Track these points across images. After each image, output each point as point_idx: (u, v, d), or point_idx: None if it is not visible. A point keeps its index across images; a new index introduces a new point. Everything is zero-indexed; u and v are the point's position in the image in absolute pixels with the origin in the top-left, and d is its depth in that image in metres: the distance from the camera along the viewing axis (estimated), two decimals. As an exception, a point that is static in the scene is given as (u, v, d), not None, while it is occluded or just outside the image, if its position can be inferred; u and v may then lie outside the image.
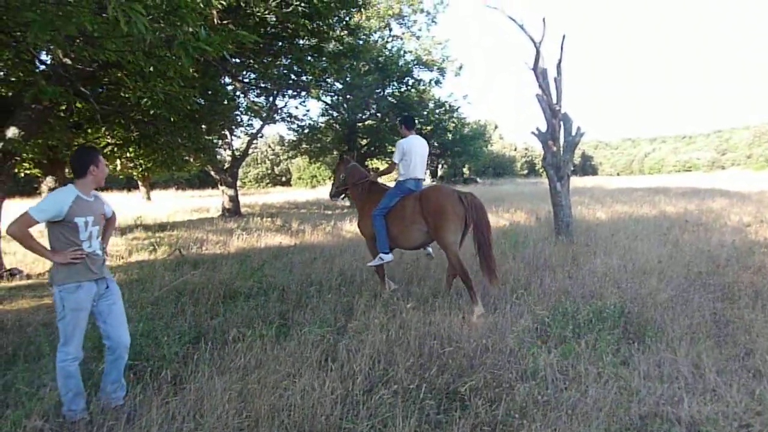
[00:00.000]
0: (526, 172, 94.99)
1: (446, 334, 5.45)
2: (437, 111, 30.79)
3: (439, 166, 58.64)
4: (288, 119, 26.24)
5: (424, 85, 28.28)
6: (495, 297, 6.84)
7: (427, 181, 50.27)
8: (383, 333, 5.43)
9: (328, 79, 20.35)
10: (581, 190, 30.85)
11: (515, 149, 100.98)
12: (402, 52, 27.93)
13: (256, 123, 24.92)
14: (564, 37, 11.38)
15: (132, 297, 7.23)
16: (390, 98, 27.25)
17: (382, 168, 11.81)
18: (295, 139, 29.81)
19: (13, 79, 9.91)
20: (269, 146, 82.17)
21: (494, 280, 6.52)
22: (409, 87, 27.86)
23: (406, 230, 6.95)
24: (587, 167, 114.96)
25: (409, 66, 27.23)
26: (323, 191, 46.64)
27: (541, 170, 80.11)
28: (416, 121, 8.93)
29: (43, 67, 9.71)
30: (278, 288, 7.65)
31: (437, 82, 28.25)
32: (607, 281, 7.30)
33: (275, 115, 25.12)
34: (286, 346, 5.23)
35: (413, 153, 7.28)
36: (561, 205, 11.43)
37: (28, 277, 9.95)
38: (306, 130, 28.09)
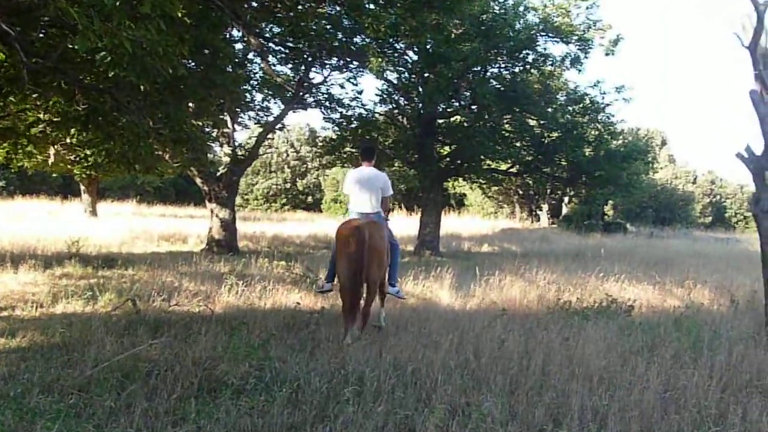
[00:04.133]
0: (710, 219, 64.94)
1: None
2: (571, 108, 22.54)
3: (565, 200, 44.84)
4: (326, 104, 20.56)
5: (553, 64, 21.06)
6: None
7: (544, 222, 43.82)
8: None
9: (396, 44, 16.95)
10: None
11: (694, 181, 67.88)
12: (521, 9, 20.22)
13: (275, 107, 20.13)
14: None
15: (47, 376, 5.27)
16: (495, 82, 20.59)
17: None
18: (335, 136, 22.75)
19: None
20: (291, 145, 62.92)
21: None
22: (528, 66, 20.53)
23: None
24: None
25: (532, 32, 19.63)
26: None
27: (740, 220, 62.54)
28: (375, 153, 8.27)
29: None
30: (290, 382, 5.35)
31: (575, 62, 20.68)
32: None
33: (306, 96, 19.82)
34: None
35: (359, 185, 7.66)
36: None
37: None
38: (354, 124, 21.34)
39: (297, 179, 62.76)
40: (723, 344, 7.14)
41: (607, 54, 21.16)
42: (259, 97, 20.14)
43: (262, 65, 17.95)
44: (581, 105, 22.38)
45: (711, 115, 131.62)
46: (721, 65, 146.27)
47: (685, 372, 6.06)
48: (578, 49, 20.52)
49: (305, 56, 17.38)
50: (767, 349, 7.15)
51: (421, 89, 20.36)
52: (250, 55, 17.73)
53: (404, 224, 26.51)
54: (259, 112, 20.94)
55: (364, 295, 7.32)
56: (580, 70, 21.01)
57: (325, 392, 5.20)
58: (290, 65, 19.09)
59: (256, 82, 18.76)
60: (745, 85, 7.27)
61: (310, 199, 62.16)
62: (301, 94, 19.07)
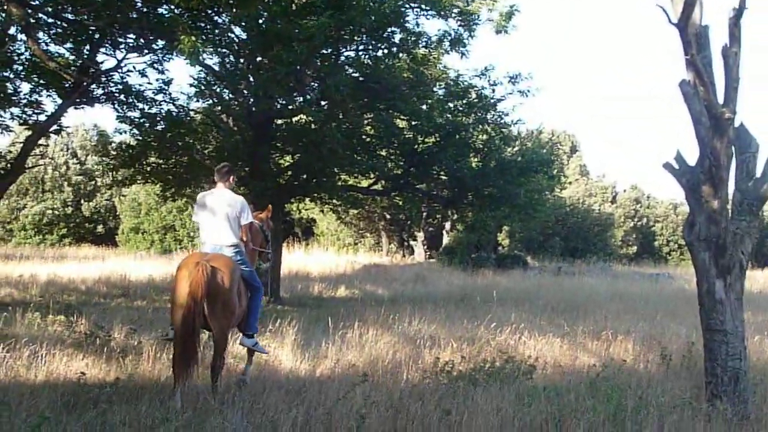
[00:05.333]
0: (634, 249, 66.54)
1: None
2: (452, 104, 23.00)
3: (446, 226, 45.73)
4: (121, 98, 20.23)
5: (427, 46, 21.34)
6: None
7: (420, 256, 44.26)
8: None
9: (217, 16, 17.10)
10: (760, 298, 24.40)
11: (614, 199, 69.49)
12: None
13: (49, 101, 19.49)
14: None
15: None
16: (351, 69, 21.13)
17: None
18: (134, 142, 22.49)
19: None
20: (74, 155, 62.54)
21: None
22: (394, 48, 20.68)
23: None
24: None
25: (399, 3, 19.56)
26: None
27: (673, 249, 65.42)
28: (232, 173, 9.22)
29: None
30: None
31: (456, 43, 20.79)
32: None
33: (93, 87, 19.40)
34: None
35: (210, 212, 8.56)
36: (721, 332, 8.49)
37: None
38: (160, 125, 21.07)
39: (82, 202, 61.58)
40: (652, 414, 7.51)
41: (498, 32, 21.20)
42: (25, 87, 19.28)
43: (28, 44, 17.24)
44: (465, 101, 23.00)
45: (633, 115, 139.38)
46: (646, 50, 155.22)
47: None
48: (460, 25, 20.83)
49: (90, 32, 17.34)
50: (708, 421, 7.57)
51: (252, 79, 20.52)
52: (12, 30, 17.13)
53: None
54: (25, 109, 19.78)
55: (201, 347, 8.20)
56: (463, 54, 21.35)
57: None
58: (69, 44, 18.62)
59: (20, 67, 18.19)
60: (676, 75, 7.74)
61: (100, 228, 61.48)
62: (85, 83, 18.63)
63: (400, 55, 21.17)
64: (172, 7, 14.86)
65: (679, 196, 63.78)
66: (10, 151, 22.90)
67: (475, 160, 23.33)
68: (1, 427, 6.27)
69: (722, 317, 8.43)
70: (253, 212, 9.45)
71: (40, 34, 16.85)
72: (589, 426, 7.09)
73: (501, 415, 7.10)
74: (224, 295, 7.92)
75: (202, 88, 21.65)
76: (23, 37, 17.34)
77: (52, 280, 22.96)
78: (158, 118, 20.69)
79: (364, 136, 21.85)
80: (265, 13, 17.77)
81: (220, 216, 8.52)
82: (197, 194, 9.87)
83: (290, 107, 21.69)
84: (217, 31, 19.25)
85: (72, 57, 19.28)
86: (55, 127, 20.51)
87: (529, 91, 22.38)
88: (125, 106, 20.38)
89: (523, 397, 7.93)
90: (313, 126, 21.08)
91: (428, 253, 44.83)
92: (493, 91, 22.61)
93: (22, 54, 18.19)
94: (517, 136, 29.47)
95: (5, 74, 17.19)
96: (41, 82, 19.14)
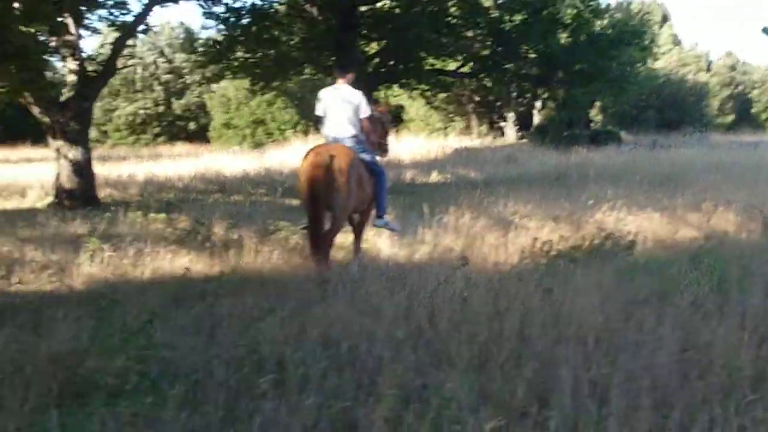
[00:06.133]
0: (731, 118, 64.07)
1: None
2: None
3: (537, 105, 44.97)
4: None
5: None
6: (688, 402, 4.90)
7: (511, 137, 43.72)
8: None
9: None
10: None
11: (708, 68, 67.56)
12: None
13: (135, 1, 20.27)
14: None
15: None
16: None
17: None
18: (220, 38, 23.13)
19: None
20: (162, 54, 61.78)
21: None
22: None
23: None
24: None
25: None
26: (282, 155, 33.74)
27: None
28: (352, 68, 9.97)
29: None
30: (185, 376, 5.38)
31: None
32: None
33: None
34: None
35: (331, 106, 9.14)
36: None
37: None
38: (246, 19, 21.47)
39: (172, 100, 62.16)
40: (756, 284, 7.28)
41: None
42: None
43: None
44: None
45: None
46: None
47: (708, 324, 6.19)
48: None
49: None
50: None
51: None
52: None
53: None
54: (112, 10, 19.84)
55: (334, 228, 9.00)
56: None
57: (234, 386, 5.22)
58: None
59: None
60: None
61: (192, 125, 61.99)
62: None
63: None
64: None
65: (778, 60, 60.08)
66: (100, 53, 23.21)
67: (565, 35, 22.91)
68: (114, 323, 6.41)
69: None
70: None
71: None
72: (694, 298, 6.92)
73: (603, 292, 7.02)
74: (341, 181, 8.53)
75: (286, -22, 21.56)
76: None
77: (149, 179, 23.31)
78: (243, 12, 20.80)
79: (449, 18, 21.56)
80: None
81: (339, 109, 9.13)
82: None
83: (374, -8, 21.56)
84: None
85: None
86: (142, 26, 20.74)
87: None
88: (210, 2, 20.46)
89: (624, 273, 7.88)
90: (397, 11, 20.99)
91: (520, 133, 44.27)
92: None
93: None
94: (606, 9, 28.44)
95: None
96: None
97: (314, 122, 43.98)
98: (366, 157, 9.30)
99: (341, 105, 9.19)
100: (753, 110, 65.86)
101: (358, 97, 9.24)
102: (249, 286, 8.16)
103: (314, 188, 8.63)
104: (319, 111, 9.41)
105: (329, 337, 6.14)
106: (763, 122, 63.14)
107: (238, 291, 7.93)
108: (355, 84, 9.46)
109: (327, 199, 8.64)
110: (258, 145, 47.31)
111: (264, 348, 5.88)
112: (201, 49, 24.21)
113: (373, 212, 9.94)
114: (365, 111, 9.30)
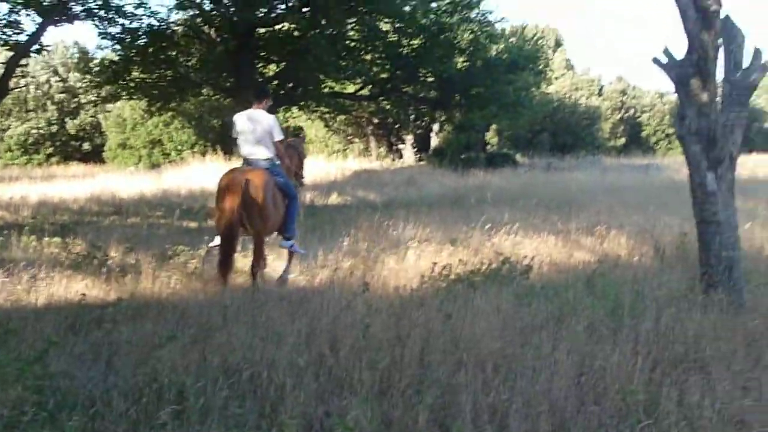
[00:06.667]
0: (622, 141, 66.27)
1: None
2: (435, 5, 22.95)
3: (434, 128, 45.24)
4: (101, 14, 20.16)
5: None
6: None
7: (410, 159, 44.24)
8: None
9: None
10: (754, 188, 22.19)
11: (600, 92, 68.54)
12: None
13: (28, 20, 19.98)
14: None
15: None
16: None
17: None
18: (116, 58, 22.93)
19: None
20: (55, 73, 60.72)
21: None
22: None
23: None
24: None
25: None
26: (179, 176, 33.39)
27: (660, 139, 64.83)
28: (267, 95, 10.28)
29: None
30: (83, 406, 5.24)
31: None
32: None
33: (72, 3, 19.42)
34: None
35: (245, 130, 9.54)
36: (715, 223, 8.47)
37: None
38: (142, 39, 21.35)
39: (66, 120, 61.29)
40: (649, 308, 7.49)
41: None
42: (3, 7, 19.08)
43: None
44: (448, 0, 22.91)
45: (617, 4, 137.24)
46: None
47: (603, 348, 6.34)
48: None
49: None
50: (704, 311, 7.52)
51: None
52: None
53: (219, 171, 26.19)
54: (5, 30, 19.66)
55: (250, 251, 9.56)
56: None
57: (134, 416, 5.15)
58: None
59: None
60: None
61: (86, 145, 61.19)
62: (64, 1, 18.54)
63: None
64: None
65: (665, 85, 62.78)
66: (-8, 73, 22.85)
67: (462, 59, 23.27)
68: (9, 352, 6.16)
69: (714, 208, 8.40)
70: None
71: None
72: (589, 323, 7.09)
73: (501, 317, 7.13)
74: (258, 204, 8.96)
75: (183, 0, 21.37)
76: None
77: (43, 201, 22.89)
78: (139, 33, 20.63)
79: (348, 42, 21.71)
80: None
81: (252, 133, 9.54)
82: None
83: (272, 15, 21.60)
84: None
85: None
86: (35, 46, 20.37)
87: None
88: (106, 22, 20.21)
89: (521, 297, 7.99)
90: (296, 33, 21.03)
91: (418, 155, 44.79)
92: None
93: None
94: (502, 33, 29.06)
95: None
96: (19, 1, 19.00)
97: (212, 143, 44.08)
98: (280, 180, 9.63)
99: (254, 128, 9.53)
100: (643, 134, 67.48)
101: (271, 121, 9.63)
102: (148, 312, 8.01)
103: (232, 215, 8.86)
104: (234, 134, 9.76)
105: (230, 364, 6.08)
106: (652, 145, 65.03)
107: (136, 317, 7.79)
108: (252, 106, 9.66)
109: (248, 219, 9.00)
110: (155, 165, 46.70)
111: (164, 377, 5.74)
112: (96, 69, 23.84)
113: (275, 234, 10.43)
114: (278, 134, 9.63)
